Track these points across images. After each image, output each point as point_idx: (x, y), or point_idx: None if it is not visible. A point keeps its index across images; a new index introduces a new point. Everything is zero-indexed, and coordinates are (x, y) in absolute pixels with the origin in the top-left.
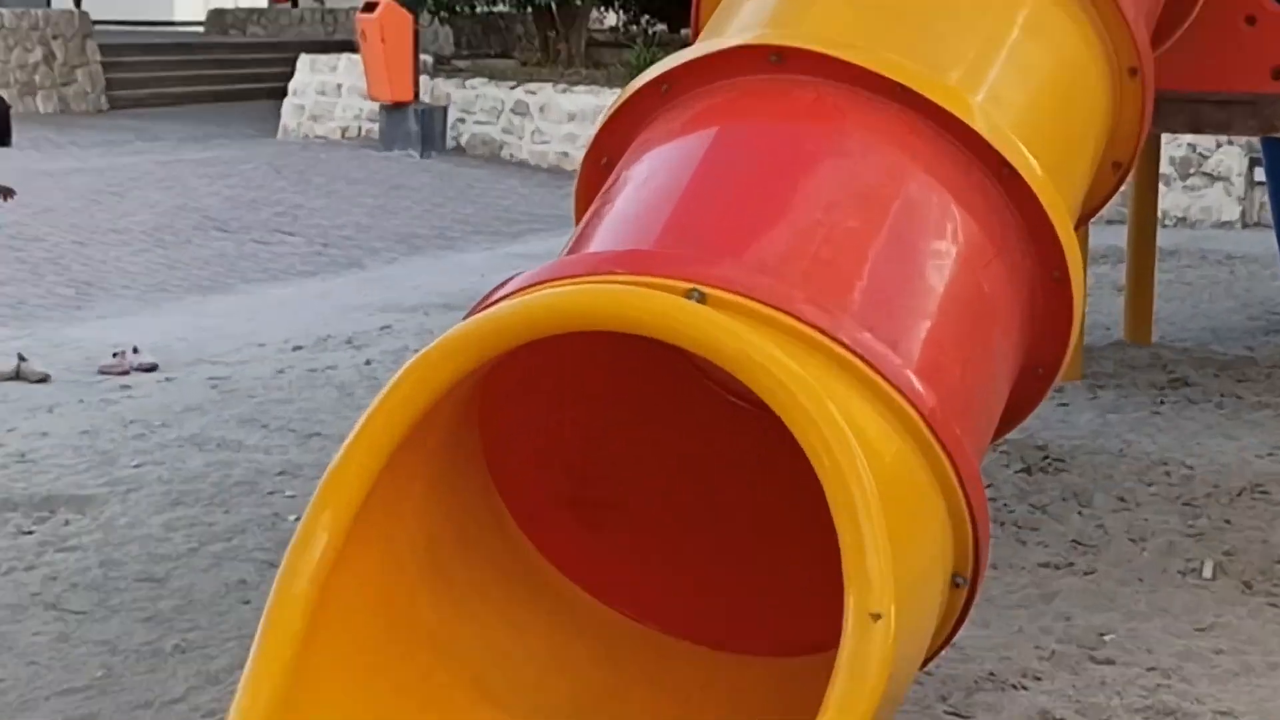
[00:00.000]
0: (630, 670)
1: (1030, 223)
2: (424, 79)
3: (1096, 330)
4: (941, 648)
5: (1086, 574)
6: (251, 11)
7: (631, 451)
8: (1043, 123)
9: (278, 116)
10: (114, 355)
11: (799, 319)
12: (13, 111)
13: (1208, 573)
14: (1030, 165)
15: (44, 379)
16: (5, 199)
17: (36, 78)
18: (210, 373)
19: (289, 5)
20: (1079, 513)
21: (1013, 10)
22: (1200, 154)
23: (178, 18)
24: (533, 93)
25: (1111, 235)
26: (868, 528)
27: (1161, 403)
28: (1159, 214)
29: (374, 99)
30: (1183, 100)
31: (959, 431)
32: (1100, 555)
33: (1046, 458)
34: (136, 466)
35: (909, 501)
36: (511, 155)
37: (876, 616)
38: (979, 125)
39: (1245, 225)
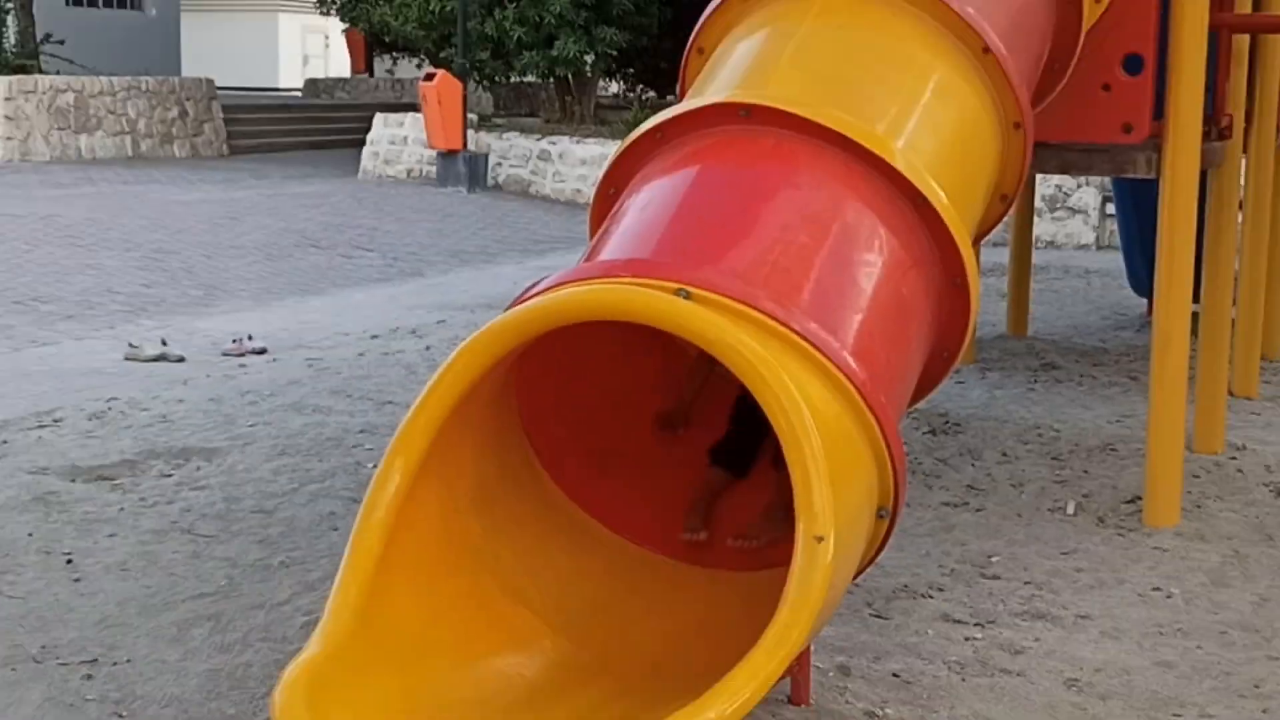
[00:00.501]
0: (632, 581)
1: (938, 240)
2: (470, 133)
3: (985, 326)
4: (867, 566)
5: (978, 511)
6: (339, 80)
7: (629, 410)
8: (948, 163)
9: (359, 161)
10: (233, 341)
11: (762, 311)
12: (153, 156)
13: (1071, 510)
14: (939, 196)
15: (181, 359)
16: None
17: (174, 130)
18: (307, 355)
19: (367, 75)
20: (972, 465)
21: (925, 78)
22: (1064, 192)
23: (282, 84)
24: (554, 143)
25: (997, 255)
26: (814, 470)
27: (1035, 382)
28: (1033, 238)
29: (432, 148)
30: (1054, 148)
31: (884, 399)
32: (988, 497)
33: (947, 422)
34: (251, 426)
35: (845, 452)
36: (538, 191)
37: (820, 539)
38: (899, 165)
39: (1099, 248)
